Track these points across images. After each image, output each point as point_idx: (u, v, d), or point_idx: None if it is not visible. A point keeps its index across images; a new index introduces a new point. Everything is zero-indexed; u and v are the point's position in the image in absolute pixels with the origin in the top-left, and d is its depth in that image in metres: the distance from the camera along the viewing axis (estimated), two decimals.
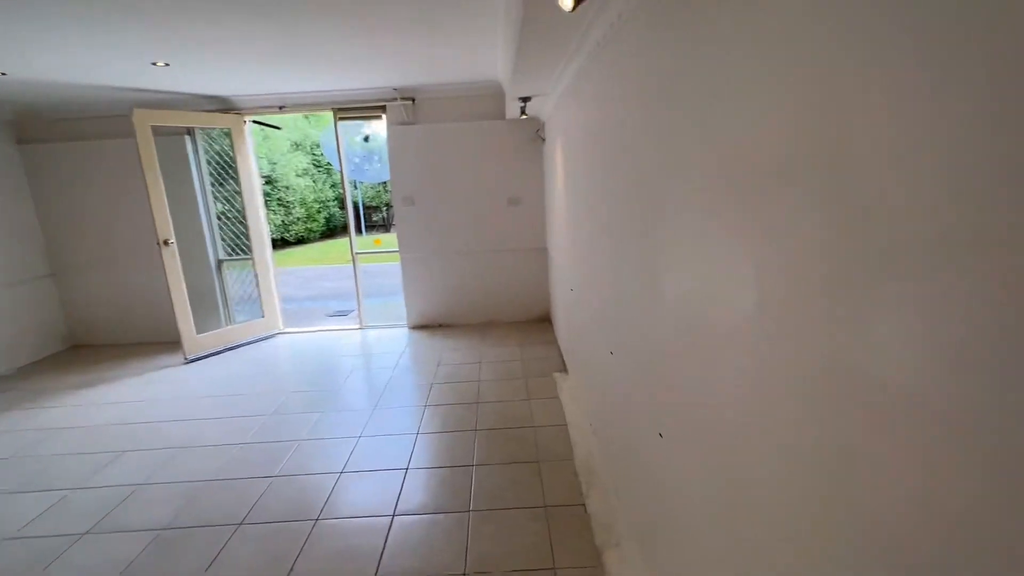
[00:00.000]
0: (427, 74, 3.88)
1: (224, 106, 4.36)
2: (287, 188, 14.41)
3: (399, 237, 4.67)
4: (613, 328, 1.88)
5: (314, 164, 15.96)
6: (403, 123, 4.41)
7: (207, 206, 4.57)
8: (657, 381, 1.33)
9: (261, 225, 4.67)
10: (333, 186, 17.12)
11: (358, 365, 4.00)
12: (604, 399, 2.21)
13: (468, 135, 4.41)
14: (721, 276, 0.94)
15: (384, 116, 4.43)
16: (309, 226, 15.47)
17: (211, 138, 4.54)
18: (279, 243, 14.46)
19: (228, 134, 4.39)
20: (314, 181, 15.80)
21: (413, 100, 4.34)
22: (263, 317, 4.77)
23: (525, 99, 3.20)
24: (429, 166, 4.49)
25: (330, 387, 3.58)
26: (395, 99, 4.31)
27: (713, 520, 1.04)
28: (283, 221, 14.48)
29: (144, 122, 3.82)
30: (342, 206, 17.93)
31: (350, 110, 4.41)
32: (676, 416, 1.20)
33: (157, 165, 3.90)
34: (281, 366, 4.07)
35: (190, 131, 4.40)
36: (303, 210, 15.10)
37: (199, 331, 4.32)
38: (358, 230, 17.73)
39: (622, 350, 1.75)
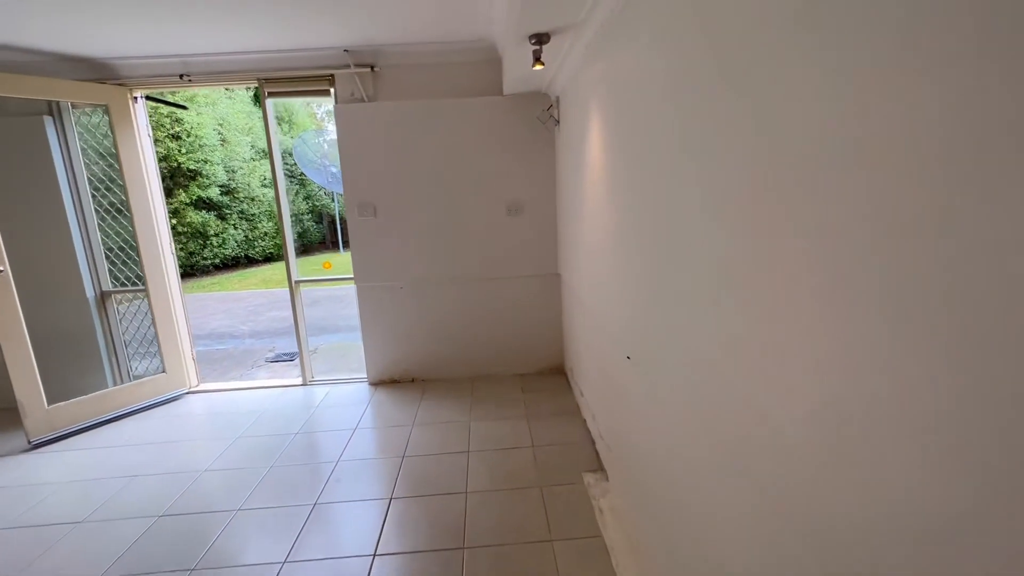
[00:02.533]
0: (391, 27, 2.64)
1: (103, 75, 3.06)
2: (251, 200, 12.95)
3: (354, 260, 3.37)
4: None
5: (286, 174, 14.58)
6: (358, 100, 3.15)
7: (81, 217, 3.23)
8: None
9: (161, 245, 3.32)
10: (307, 198, 15.75)
11: (285, 454, 2.65)
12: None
13: (450, 117, 3.16)
14: None
15: (333, 91, 3.16)
16: (279, 242, 14.01)
17: (92, 125, 3.22)
18: (243, 261, 12.97)
19: (106, 114, 3.07)
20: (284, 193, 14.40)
21: (372, 68, 3.08)
22: (164, 372, 3.41)
23: (540, 39, 1.97)
24: (396, 161, 3.21)
25: (227, 502, 2.23)
26: (347, 66, 3.05)
27: None
28: (247, 237, 12.99)
29: None
30: (319, 220, 16.61)
31: (283, 82, 3.13)
32: None
33: None
34: (170, 457, 2.70)
35: (53, 109, 3.09)
36: (271, 224, 13.64)
37: (68, 395, 2.97)
38: (336, 246, 16.29)
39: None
